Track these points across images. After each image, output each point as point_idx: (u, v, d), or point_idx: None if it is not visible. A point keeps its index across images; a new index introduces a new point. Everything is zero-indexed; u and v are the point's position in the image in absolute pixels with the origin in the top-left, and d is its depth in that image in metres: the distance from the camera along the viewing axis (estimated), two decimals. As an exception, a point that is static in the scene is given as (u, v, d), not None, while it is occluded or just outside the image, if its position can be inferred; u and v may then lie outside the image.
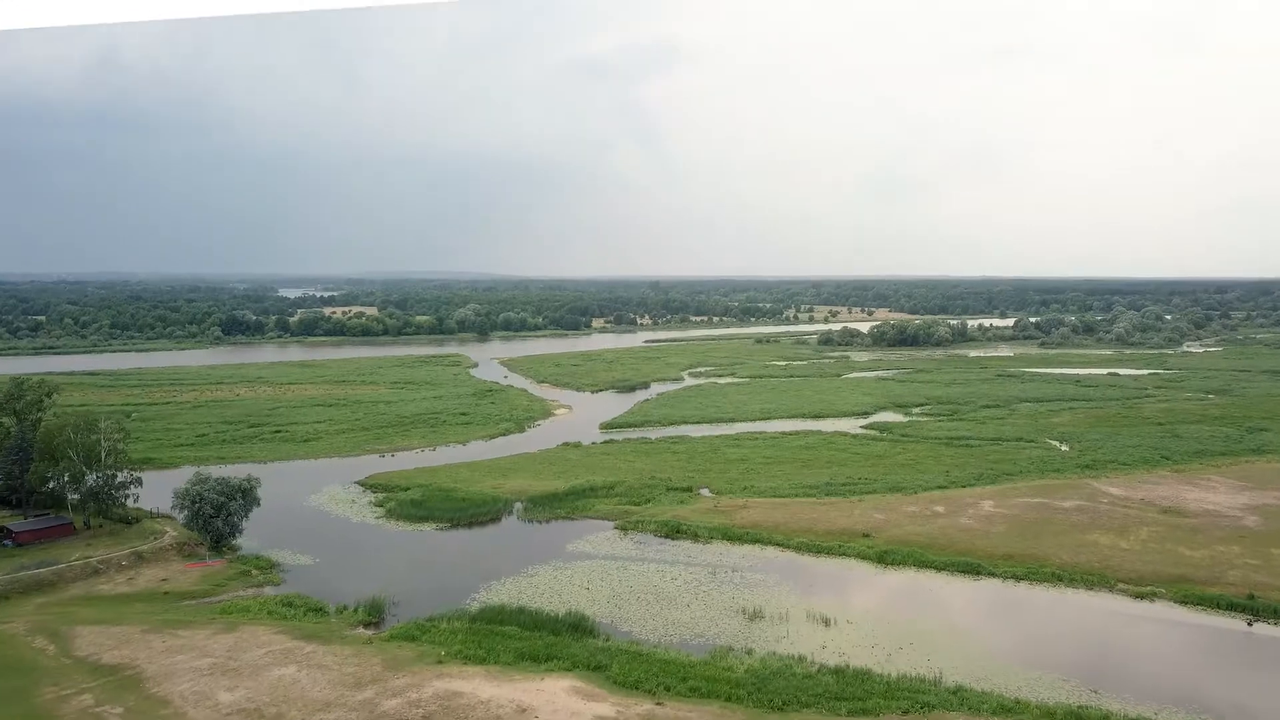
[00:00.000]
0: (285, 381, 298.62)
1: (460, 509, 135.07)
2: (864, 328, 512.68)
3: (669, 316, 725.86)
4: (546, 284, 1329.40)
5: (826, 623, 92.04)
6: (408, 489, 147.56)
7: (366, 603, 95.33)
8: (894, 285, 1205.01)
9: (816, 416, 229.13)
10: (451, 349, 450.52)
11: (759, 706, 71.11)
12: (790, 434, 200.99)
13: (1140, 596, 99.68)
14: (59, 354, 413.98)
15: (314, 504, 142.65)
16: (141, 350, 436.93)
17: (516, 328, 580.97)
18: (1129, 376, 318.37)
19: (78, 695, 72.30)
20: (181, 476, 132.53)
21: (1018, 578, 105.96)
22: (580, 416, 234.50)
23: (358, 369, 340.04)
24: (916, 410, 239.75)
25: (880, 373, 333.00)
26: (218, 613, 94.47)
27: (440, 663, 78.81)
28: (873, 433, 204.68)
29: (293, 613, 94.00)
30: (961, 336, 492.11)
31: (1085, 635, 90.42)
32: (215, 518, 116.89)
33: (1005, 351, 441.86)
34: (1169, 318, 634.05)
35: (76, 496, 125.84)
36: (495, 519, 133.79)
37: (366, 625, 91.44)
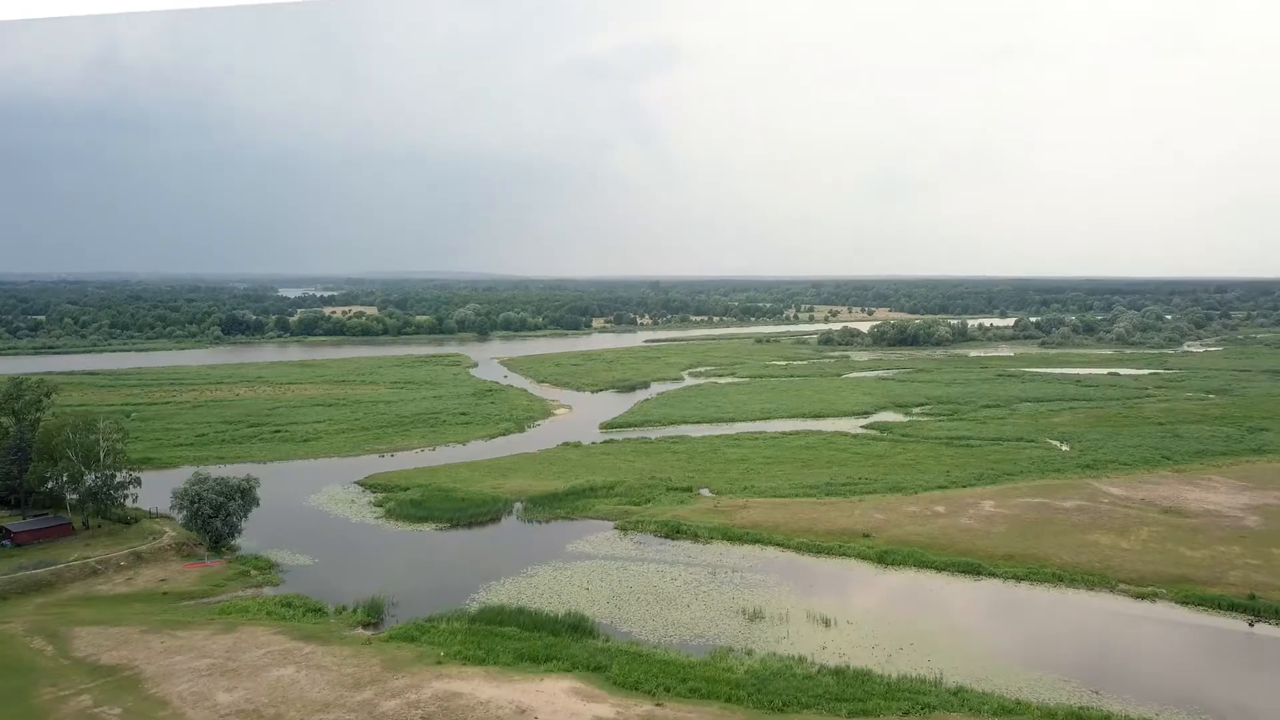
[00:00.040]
0: (285, 381, 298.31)
1: (460, 509, 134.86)
2: (864, 327, 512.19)
3: (669, 316, 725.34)
4: (546, 284, 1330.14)
5: (827, 623, 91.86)
6: (407, 489, 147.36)
7: (366, 603, 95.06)
8: (894, 285, 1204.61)
9: (816, 416, 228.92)
10: (451, 349, 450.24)
11: (759, 707, 70.89)
12: (790, 434, 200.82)
13: (1141, 597, 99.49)
14: (59, 354, 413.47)
15: (313, 504, 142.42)
16: (141, 350, 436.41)
17: (516, 327, 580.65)
18: (1129, 376, 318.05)
19: (76, 696, 72.13)
20: (181, 476, 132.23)
21: (1018, 578, 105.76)
22: (580, 416, 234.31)
23: (357, 369, 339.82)
24: (917, 410, 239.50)
25: (880, 372, 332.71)
26: (216, 613, 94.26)
27: (439, 663, 78.63)
28: (873, 433, 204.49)
29: (292, 613, 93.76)
30: (962, 336, 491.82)
31: (1086, 636, 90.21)
32: (214, 518, 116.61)
33: (1005, 351, 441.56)
34: (1169, 317, 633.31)
35: (75, 496, 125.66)
36: (495, 519, 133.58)
37: (365, 626, 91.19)
